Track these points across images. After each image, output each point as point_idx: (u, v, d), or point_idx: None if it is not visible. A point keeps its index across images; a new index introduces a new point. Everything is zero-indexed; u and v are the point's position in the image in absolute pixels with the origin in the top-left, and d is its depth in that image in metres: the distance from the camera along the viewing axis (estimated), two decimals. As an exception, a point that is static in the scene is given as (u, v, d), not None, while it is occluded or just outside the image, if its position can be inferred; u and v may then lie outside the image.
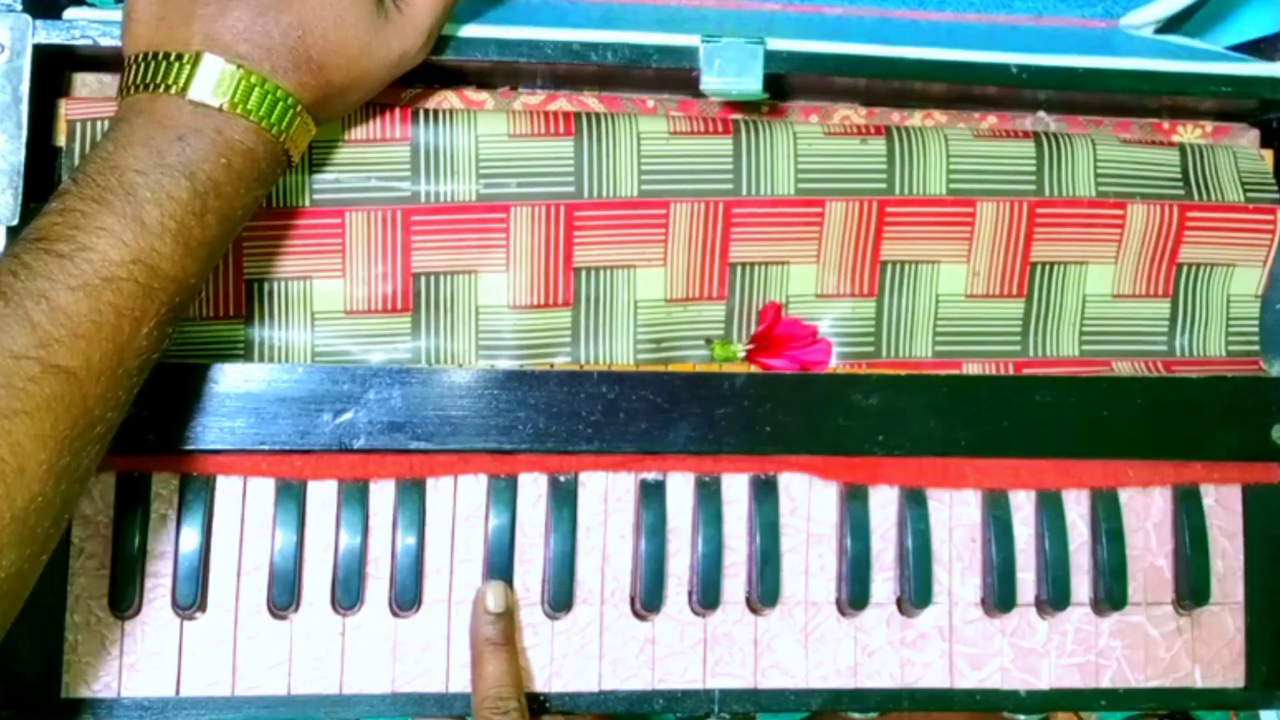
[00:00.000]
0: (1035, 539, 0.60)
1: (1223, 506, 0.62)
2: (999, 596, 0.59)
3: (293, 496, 0.55)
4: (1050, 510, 0.60)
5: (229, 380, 0.53)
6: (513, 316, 0.57)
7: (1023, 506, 0.60)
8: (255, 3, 0.45)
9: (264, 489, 0.55)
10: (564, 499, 0.57)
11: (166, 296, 0.43)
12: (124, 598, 0.54)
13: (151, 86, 0.45)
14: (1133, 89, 0.59)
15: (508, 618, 0.55)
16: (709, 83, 0.54)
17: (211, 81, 0.44)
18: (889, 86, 0.59)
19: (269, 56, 0.45)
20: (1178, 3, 0.62)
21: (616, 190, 0.57)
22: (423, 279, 0.57)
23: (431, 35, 0.51)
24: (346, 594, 0.55)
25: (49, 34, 0.52)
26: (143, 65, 0.45)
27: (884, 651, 0.59)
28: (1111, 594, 0.59)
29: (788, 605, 0.58)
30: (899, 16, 0.62)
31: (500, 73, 0.57)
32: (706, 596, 0.57)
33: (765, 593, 0.57)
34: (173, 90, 0.44)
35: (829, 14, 0.63)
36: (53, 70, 0.54)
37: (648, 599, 0.57)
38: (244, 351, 0.56)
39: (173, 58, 0.45)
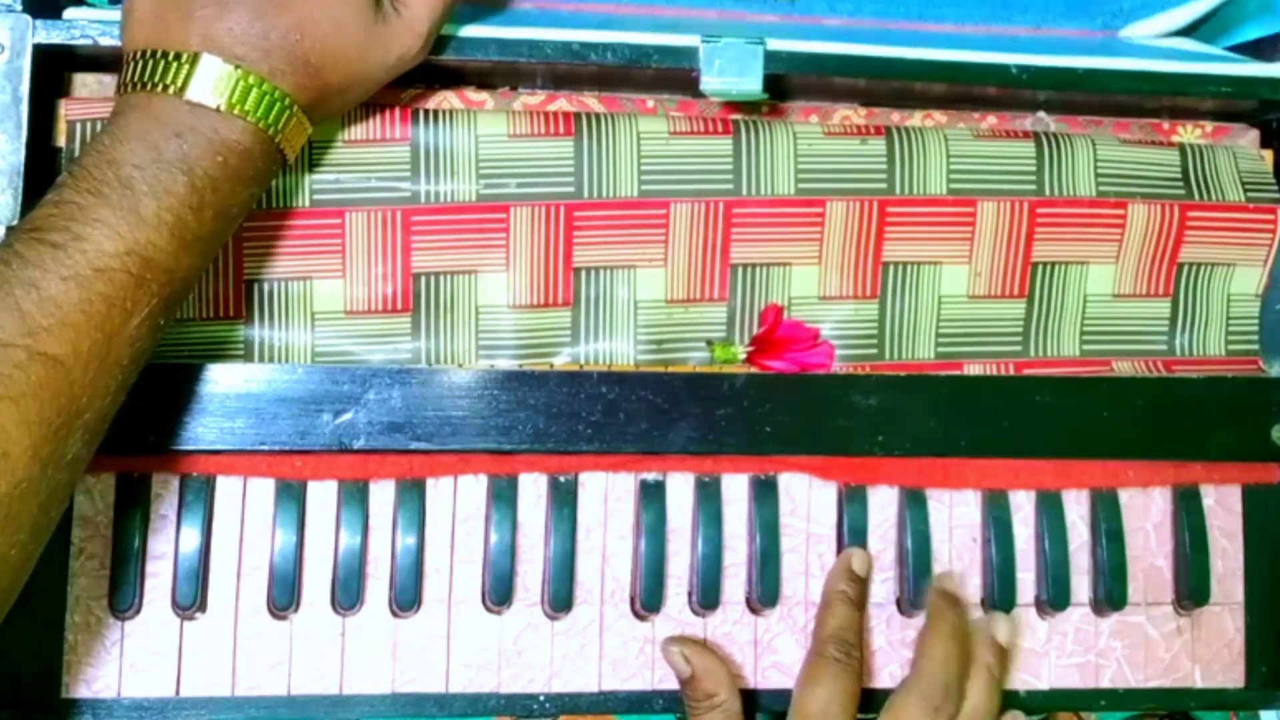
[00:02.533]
0: (1035, 539, 0.60)
1: (1223, 507, 0.62)
2: (999, 596, 0.59)
3: (293, 496, 0.55)
4: (1050, 510, 0.60)
5: (229, 380, 0.53)
6: (512, 316, 0.57)
7: (1023, 507, 0.60)
8: (254, 4, 0.45)
9: (264, 489, 0.55)
10: (564, 499, 0.57)
11: (158, 288, 0.43)
12: (124, 598, 0.54)
13: (149, 85, 0.45)
14: (1133, 89, 0.59)
15: (864, 584, 0.58)
16: (709, 83, 0.54)
17: (209, 82, 0.44)
18: (889, 86, 0.59)
19: (267, 58, 0.45)
20: (1177, 19, 0.62)
21: (616, 190, 0.57)
22: (423, 279, 0.57)
23: (429, 37, 0.51)
24: (346, 594, 0.55)
25: (49, 34, 0.52)
26: (141, 63, 0.45)
27: (884, 651, 0.59)
28: (1111, 594, 0.59)
29: (788, 605, 0.58)
30: (898, 28, 0.62)
31: (500, 73, 0.57)
32: (706, 597, 0.57)
33: (765, 593, 0.57)
34: (170, 90, 0.44)
35: (828, 25, 0.63)
36: (53, 70, 0.54)
37: (648, 599, 0.57)
38: (244, 352, 0.56)
39: (171, 57, 0.45)
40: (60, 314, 0.41)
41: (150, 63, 0.45)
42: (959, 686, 0.54)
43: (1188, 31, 0.63)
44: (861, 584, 0.57)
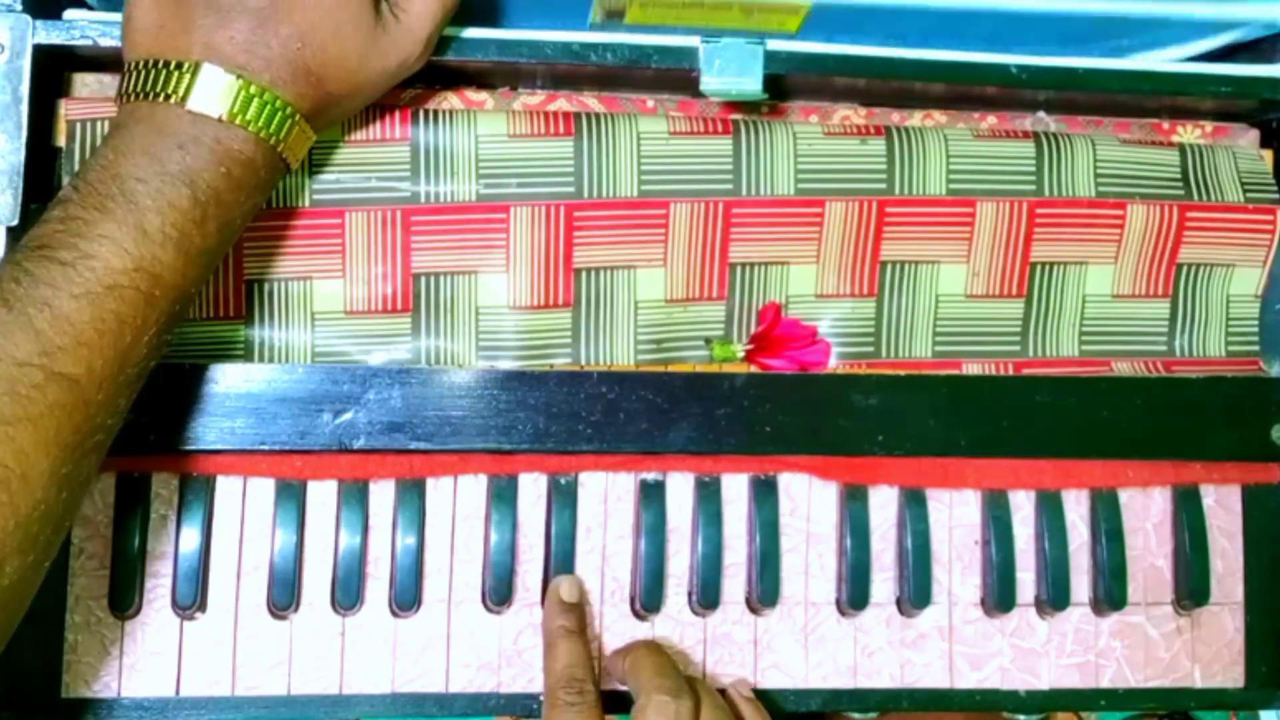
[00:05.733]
0: (1035, 539, 0.60)
1: (1223, 506, 0.62)
2: (999, 596, 0.59)
3: (293, 496, 0.55)
4: (1050, 510, 0.60)
5: (229, 380, 0.53)
6: (513, 317, 0.57)
7: (1022, 507, 0.60)
8: (255, 14, 0.45)
9: (264, 489, 0.55)
10: (564, 499, 0.57)
11: (167, 304, 0.43)
12: (124, 598, 0.54)
13: (151, 95, 0.45)
14: (1133, 89, 0.59)
15: (579, 609, 0.55)
16: (709, 83, 0.54)
17: (211, 92, 0.44)
18: (889, 86, 0.59)
19: (268, 67, 0.45)
20: (1180, 56, 0.62)
21: (616, 190, 0.57)
22: (423, 279, 0.57)
23: (430, 43, 0.51)
24: (346, 594, 0.55)
25: (49, 34, 0.52)
26: (142, 73, 0.45)
27: (884, 651, 0.59)
28: (1111, 594, 0.60)
29: (788, 605, 0.58)
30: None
31: (500, 73, 0.57)
32: (706, 596, 0.57)
33: (765, 593, 0.57)
34: (172, 100, 0.44)
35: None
36: (53, 70, 0.54)
37: (648, 599, 0.57)
38: (244, 352, 0.56)
39: (172, 66, 0.45)
40: (74, 333, 0.41)
41: (152, 72, 0.45)
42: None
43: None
44: (578, 609, 0.55)
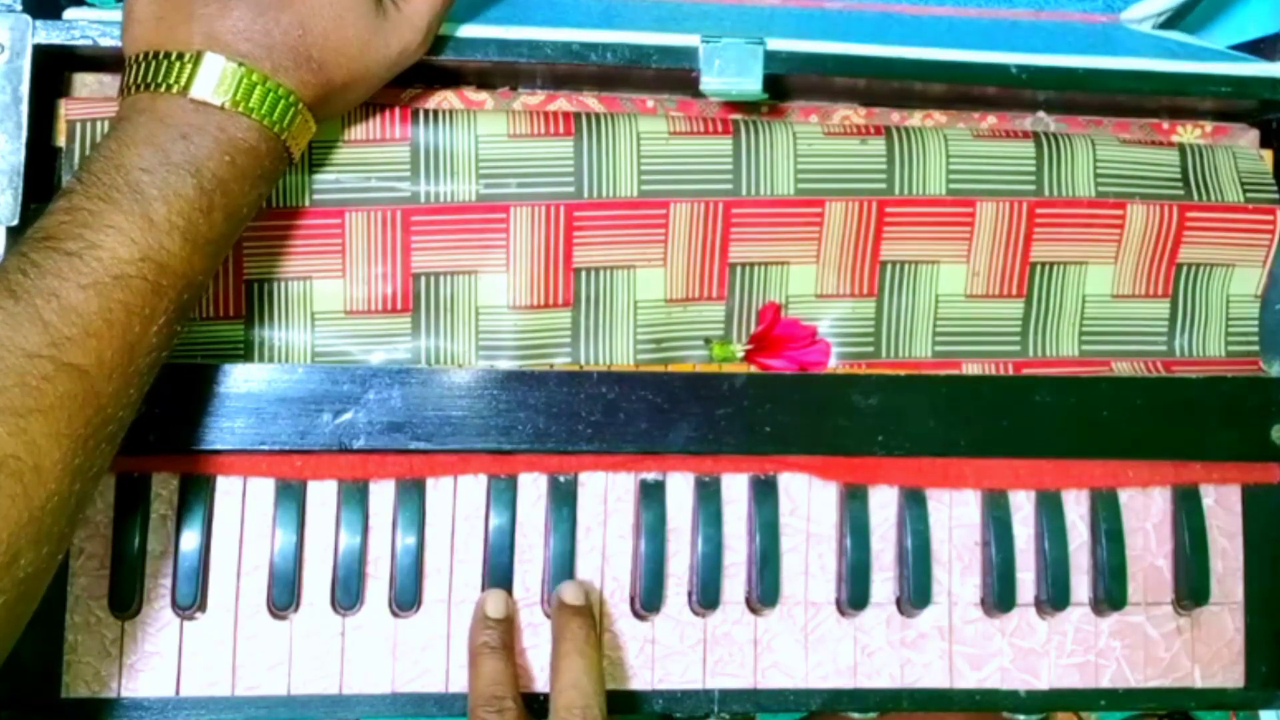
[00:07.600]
0: (1035, 539, 0.60)
1: (1222, 506, 0.62)
2: (999, 596, 0.59)
3: (293, 496, 0.55)
4: (1050, 510, 0.60)
5: (229, 380, 0.54)
6: (513, 317, 0.57)
7: (1022, 507, 0.60)
8: (256, 2, 0.46)
9: (264, 489, 0.55)
10: (564, 499, 0.57)
11: (175, 294, 0.43)
12: (124, 598, 0.54)
13: (153, 86, 0.45)
14: (1133, 89, 0.59)
15: (506, 624, 0.55)
16: (709, 83, 0.54)
17: (213, 80, 0.45)
18: (889, 86, 0.59)
19: (270, 55, 0.46)
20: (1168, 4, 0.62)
21: (616, 190, 0.57)
22: (423, 279, 0.57)
23: (430, 32, 0.51)
24: (346, 594, 0.55)
25: (49, 34, 0.52)
26: (144, 65, 0.45)
27: (884, 651, 0.59)
28: (1111, 594, 0.60)
29: (787, 605, 0.58)
30: (899, 11, 0.62)
31: (500, 73, 0.57)
32: (706, 596, 0.57)
33: (765, 593, 0.57)
34: (174, 89, 0.44)
35: (830, 9, 0.63)
36: (53, 70, 0.54)
37: (647, 599, 0.57)
38: (244, 351, 0.56)
39: (174, 57, 0.45)
40: (83, 323, 0.41)
41: (153, 63, 0.45)
42: (598, 698, 0.51)
43: (1189, 13, 0.63)
44: (505, 624, 0.54)
